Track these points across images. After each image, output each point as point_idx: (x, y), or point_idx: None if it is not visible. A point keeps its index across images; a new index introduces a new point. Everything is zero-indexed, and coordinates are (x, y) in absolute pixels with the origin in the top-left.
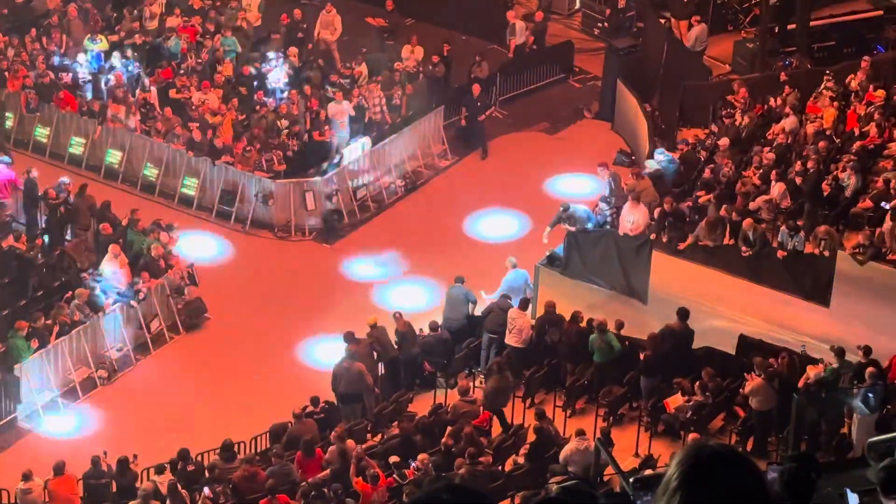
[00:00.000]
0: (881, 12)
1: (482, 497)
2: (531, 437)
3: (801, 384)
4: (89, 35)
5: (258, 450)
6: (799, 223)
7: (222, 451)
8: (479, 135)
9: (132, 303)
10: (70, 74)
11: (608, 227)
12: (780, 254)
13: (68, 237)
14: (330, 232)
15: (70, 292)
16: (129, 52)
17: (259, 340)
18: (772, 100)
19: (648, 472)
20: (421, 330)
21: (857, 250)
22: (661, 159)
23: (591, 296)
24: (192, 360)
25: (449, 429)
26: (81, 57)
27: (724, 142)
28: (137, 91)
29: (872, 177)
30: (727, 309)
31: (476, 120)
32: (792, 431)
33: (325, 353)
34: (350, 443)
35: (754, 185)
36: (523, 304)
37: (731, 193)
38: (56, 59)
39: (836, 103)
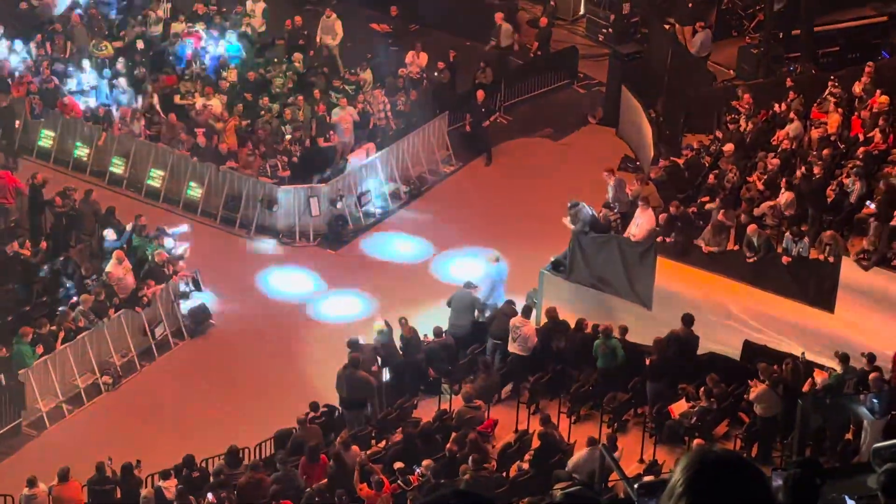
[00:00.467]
0: (886, 18)
1: (489, 502)
2: (536, 442)
3: (805, 390)
4: (94, 41)
5: (263, 456)
6: (803, 229)
7: (228, 457)
8: (483, 140)
9: (136, 309)
10: (75, 80)
11: (612, 232)
12: (784, 259)
13: (72, 243)
14: (334, 237)
15: (75, 298)
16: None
17: (264, 346)
18: (776, 105)
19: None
20: (425, 336)
21: (861, 256)
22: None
23: (596, 301)
24: (197, 365)
25: (453, 435)
26: (86, 63)
27: (728, 147)
28: (140, 97)
29: (877, 182)
30: (732, 314)
31: (480, 126)
32: (797, 437)
33: (330, 358)
34: (354, 448)
35: (759, 190)
36: (526, 312)
37: (736, 199)
38: (60, 66)
39: (840, 109)
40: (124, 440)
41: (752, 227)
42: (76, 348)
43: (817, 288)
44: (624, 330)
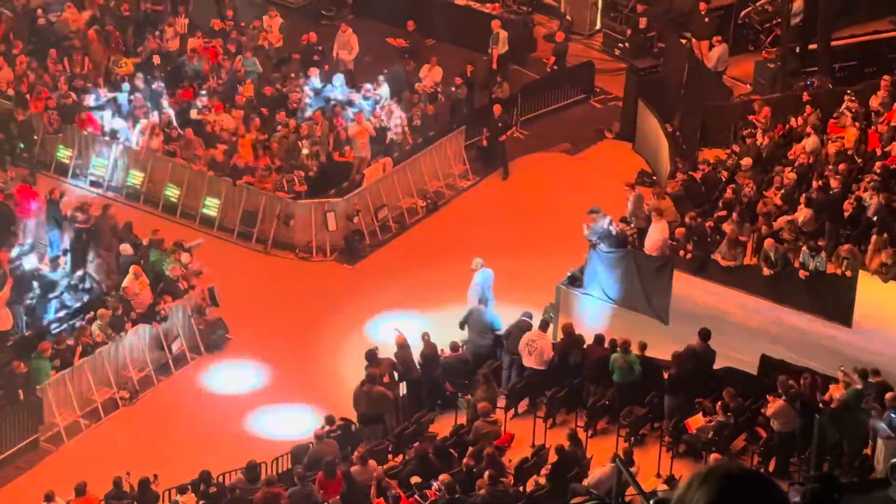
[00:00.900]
0: None
1: None
2: (552, 457)
3: (823, 405)
4: (113, 58)
5: (280, 471)
6: (820, 243)
7: (246, 472)
8: (500, 155)
9: (153, 323)
10: (92, 96)
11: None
12: (802, 274)
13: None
14: (351, 252)
15: (92, 313)
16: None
17: (280, 361)
18: (793, 120)
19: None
20: (442, 350)
21: (880, 269)
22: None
23: (612, 316)
24: (214, 380)
25: (470, 449)
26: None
27: (746, 162)
28: (157, 112)
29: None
30: (749, 329)
31: (497, 140)
32: (814, 452)
33: (346, 372)
34: (371, 463)
35: (776, 205)
36: (543, 326)
37: (752, 213)
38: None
39: (857, 123)
40: (141, 455)
41: (769, 242)
42: (93, 363)
43: (835, 302)
44: (643, 346)
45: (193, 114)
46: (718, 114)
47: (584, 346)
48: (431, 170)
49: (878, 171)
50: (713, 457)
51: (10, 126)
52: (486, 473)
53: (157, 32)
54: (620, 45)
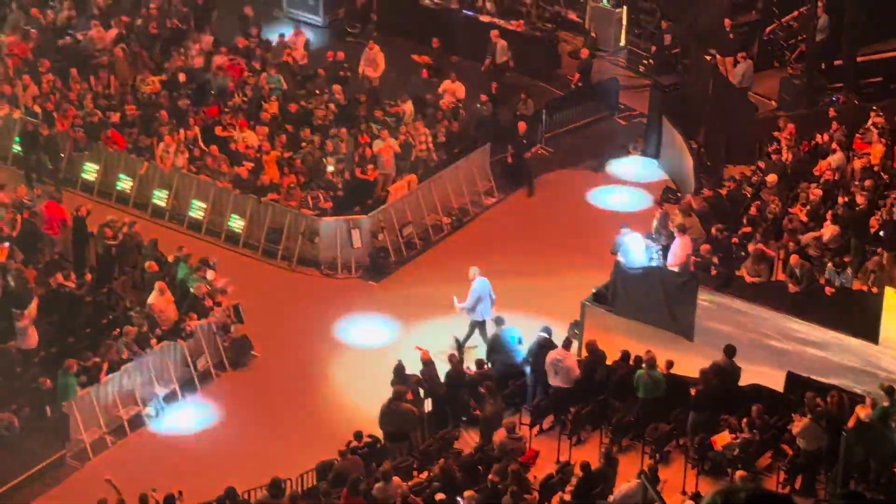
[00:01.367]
0: None
1: None
2: (577, 473)
3: (850, 422)
4: (140, 77)
5: (304, 487)
6: (846, 259)
7: (270, 488)
8: (525, 172)
9: (178, 340)
10: (118, 113)
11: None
12: (828, 290)
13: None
14: (376, 269)
15: (118, 329)
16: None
17: (305, 378)
18: (818, 136)
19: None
20: (467, 367)
21: None
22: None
23: (638, 333)
24: (239, 397)
25: (495, 466)
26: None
27: (772, 178)
28: (182, 129)
29: None
30: (775, 346)
31: (522, 157)
32: (841, 470)
33: (370, 389)
34: (396, 480)
35: (801, 221)
36: (567, 344)
37: (778, 230)
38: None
39: (883, 139)
40: (167, 471)
41: (794, 258)
42: (119, 380)
43: (861, 318)
44: (670, 364)
45: (218, 130)
46: (743, 130)
47: (609, 363)
48: (456, 186)
49: None
50: (738, 474)
51: (37, 142)
52: (511, 490)
53: (182, 50)
54: (645, 61)
